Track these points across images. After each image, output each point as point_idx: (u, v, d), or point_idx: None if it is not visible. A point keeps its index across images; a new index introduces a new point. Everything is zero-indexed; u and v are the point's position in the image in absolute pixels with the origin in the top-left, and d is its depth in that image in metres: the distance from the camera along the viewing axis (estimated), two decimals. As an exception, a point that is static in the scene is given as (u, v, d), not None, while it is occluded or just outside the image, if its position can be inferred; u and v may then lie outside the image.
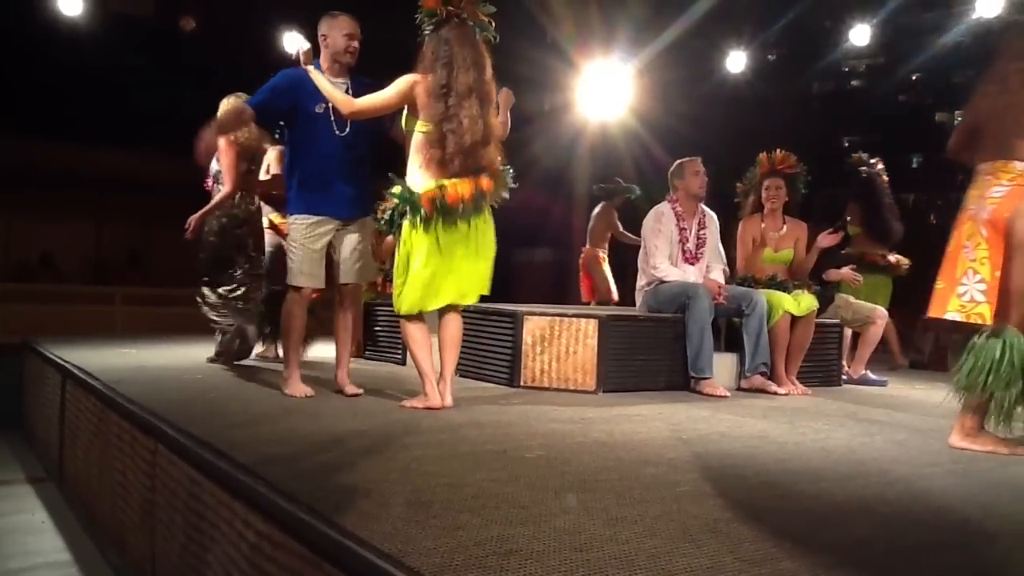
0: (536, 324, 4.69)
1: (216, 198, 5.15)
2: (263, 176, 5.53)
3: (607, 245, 8.25)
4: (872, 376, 5.71)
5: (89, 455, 4.27)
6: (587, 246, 8.25)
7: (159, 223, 12.62)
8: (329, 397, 4.07)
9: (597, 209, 8.27)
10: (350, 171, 4.11)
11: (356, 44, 4.10)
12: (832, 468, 2.83)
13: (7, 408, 6.78)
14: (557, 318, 4.70)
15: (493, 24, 3.87)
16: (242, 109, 4.10)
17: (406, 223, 3.77)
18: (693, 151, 5.48)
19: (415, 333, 3.86)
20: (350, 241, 4.18)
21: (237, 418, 3.34)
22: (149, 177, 11.65)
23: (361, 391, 4.18)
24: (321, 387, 4.22)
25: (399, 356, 5.82)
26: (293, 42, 8.91)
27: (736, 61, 9.94)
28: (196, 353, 5.92)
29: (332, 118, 4.05)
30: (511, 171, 3.90)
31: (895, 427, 3.83)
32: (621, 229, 8.25)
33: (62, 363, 5.01)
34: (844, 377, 5.68)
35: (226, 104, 5.16)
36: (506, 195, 3.88)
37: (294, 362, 4.14)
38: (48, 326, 9.21)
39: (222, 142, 5.06)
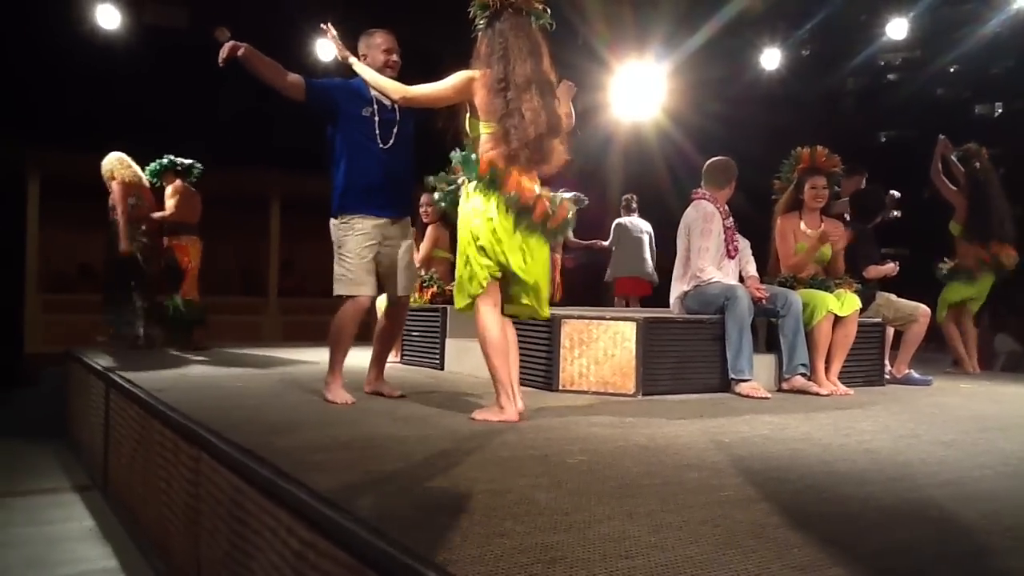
0: (574, 327, 4.67)
1: (119, 227, 6.87)
2: (168, 209, 7.20)
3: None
4: (916, 375, 5.62)
5: (133, 463, 4.32)
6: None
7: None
8: (369, 403, 4.09)
9: None
10: (394, 173, 4.16)
11: (395, 58, 4.16)
12: (878, 471, 2.79)
13: (52, 417, 6.90)
14: (595, 321, 4.67)
15: (548, 11, 3.73)
16: (297, 77, 4.09)
17: (464, 205, 3.60)
18: (726, 150, 5.43)
19: (493, 336, 3.59)
20: (401, 252, 4.26)
21: (278, 425, 3.36)
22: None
23: (399, 392, 4.27)
24: (359, 393, 4.25)
25: (436, 361, 5.84)
26: (327, 50, 9.01)
27: (770, 58, 9.86)
28: (237, 361, 5.98)
29: (378, 124, 4.11)
30: (574, 206, 3.75)
31: (942, 428, 3.76)
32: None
33: (106, 372, 5.08)
34: (887, 376, 5.59)
35: (107, 162, 7.07)
36: (568, 232, 3.80)
37: (339, 369, 4.17)
38: (89, 335, 9.37)
39: (114, 185, 6.99)
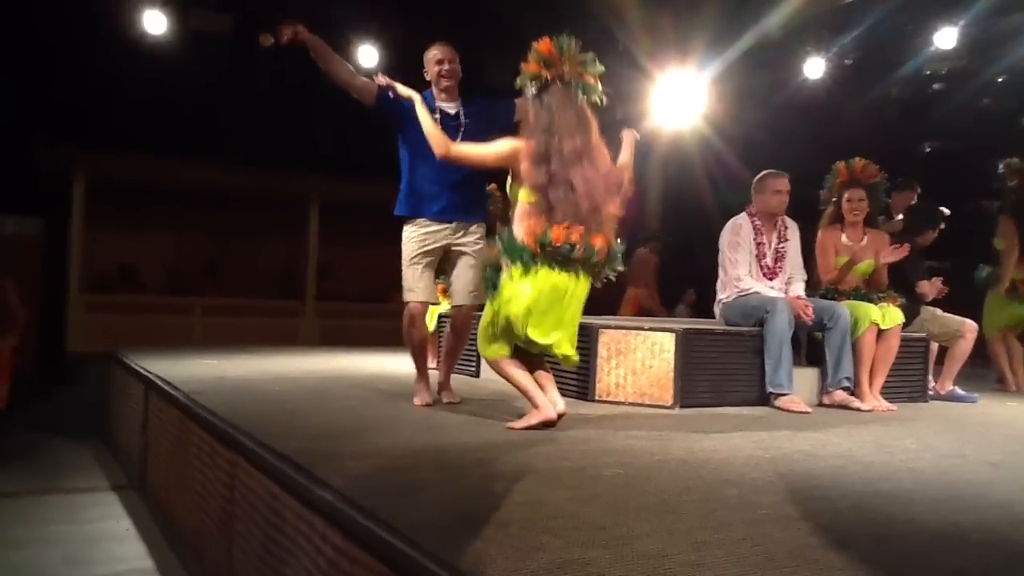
0: (611, 337, 4.63)
1: None
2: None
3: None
4: (960, 392, 5.49)
5: (170, 464, 4.35)
6: (635, 288, 8.73)
7: (235, 233, 12.91)
8: (408, 412, 4.09)
9: (641, 254, 9.09)
10: (456, 178, 4.18)
11: (447, 67, 4.23)
12: (923, 491, 2.71)
13: (91, 417, 6.99)
14: (633, 331, 4.63)
15: (599, 83, 3.70)
16: (368, 81, 4.18)
17: (506, 274, 3.56)
18: (769, 160, 5.34)
19: (504, 366, 3.66)
20: (465, 263, 4.30)
21: (316, 431, 3.36)
22: (225, 188, 11.94)
23: (458, 399, 4.36)
24: (399, 400, 4.25)
25: (473, 368, 5.82)
26: (370, 56, 9.09)
27: (814, 67, 9.74)
28: (274, 365, 6.02)
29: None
30: (620, 250, 3.69)
31: (988, 447, 3.67)
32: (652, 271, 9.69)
33: (146, 374, 5.13)
34: (931, 393, 5.48)
35: None
36: (612, 275, 3.71)
37: (421, 373, 4.34)
38: (129, 336, 9.51)
39: None
